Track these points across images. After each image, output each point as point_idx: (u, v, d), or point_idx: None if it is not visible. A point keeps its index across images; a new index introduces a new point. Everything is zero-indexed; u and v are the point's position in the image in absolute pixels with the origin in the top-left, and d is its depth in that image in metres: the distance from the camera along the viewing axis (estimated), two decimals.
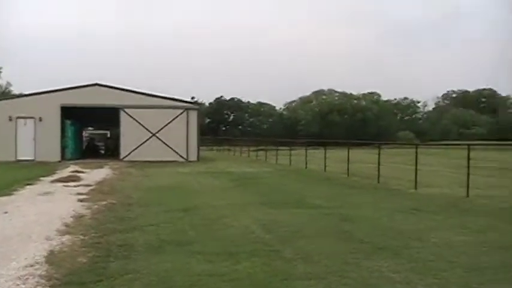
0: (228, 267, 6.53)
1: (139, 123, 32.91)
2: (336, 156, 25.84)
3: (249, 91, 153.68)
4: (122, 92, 33.60)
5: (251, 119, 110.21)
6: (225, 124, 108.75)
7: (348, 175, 21.53)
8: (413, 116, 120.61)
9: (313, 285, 5.81)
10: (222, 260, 6.91)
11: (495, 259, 7.03)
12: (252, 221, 10.11)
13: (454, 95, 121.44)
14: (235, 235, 8.71)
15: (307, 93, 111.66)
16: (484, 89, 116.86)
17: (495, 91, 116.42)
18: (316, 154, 29.60)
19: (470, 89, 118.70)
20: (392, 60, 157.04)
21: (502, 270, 6.44)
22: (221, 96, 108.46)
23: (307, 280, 5.98)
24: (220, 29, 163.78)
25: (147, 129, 33.05)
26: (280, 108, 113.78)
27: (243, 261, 6.81)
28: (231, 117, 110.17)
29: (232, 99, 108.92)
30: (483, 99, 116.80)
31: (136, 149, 32.97)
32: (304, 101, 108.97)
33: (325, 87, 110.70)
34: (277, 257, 7.09)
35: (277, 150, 36.51)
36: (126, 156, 32.88)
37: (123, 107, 32.98)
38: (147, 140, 33.14)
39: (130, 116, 32.98)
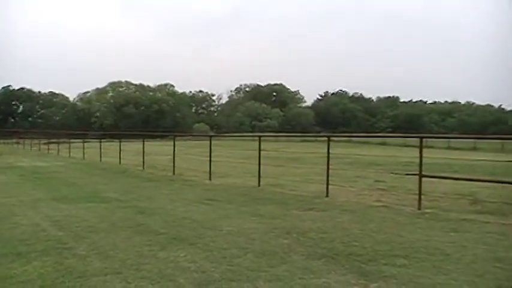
0: (17, 269, 6.11)
1: None
2: (132, 149, 25.63)
3: (42, 81, 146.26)
4: None
5: (42, 111, 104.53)
6: (14, 116, 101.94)
7: (144, 168, 21.45)
8: (209, 108, 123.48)
9: (109, 280, 5.69)
10: (10, 261, 6.45)
11: (283, 243, 7.46)
12: (43, 218, 9.62)
13: (247, 89, 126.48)
14: (24, 234, 8.17)
15: (103, 84, 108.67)
16: (276, 84, 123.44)
17: (285, 86, 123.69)
18: (111, 147, 29.10)
19: (263, 84, 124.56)
20: (186, 54, 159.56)
21: (288, 253, 6.84)
22: (9, 86, 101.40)
23: (103, 276, 5.84)
24: None
25: None
26: (74, 99, 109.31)
27: (33, 261, 6.44)
28: (20, 108, 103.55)
29: (21, 89, 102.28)
30: (274, 94, 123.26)
31: None
32: (100, 92, 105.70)
33: (122, 79, 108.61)
34: (70, 254, 6.81)
35: (70, 143, 35.25)
36: None
37: None
38: None
39: None
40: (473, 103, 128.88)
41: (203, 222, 9.17)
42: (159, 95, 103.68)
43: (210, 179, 16.83)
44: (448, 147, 44.89)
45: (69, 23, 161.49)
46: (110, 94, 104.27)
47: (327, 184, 13.05)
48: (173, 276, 5.83)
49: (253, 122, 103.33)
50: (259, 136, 17.49)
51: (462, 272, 6.03)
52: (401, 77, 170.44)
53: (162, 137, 39.78)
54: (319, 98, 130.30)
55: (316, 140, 46.54)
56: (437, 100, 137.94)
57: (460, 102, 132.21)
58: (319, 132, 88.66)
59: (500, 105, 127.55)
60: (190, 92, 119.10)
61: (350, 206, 11.22)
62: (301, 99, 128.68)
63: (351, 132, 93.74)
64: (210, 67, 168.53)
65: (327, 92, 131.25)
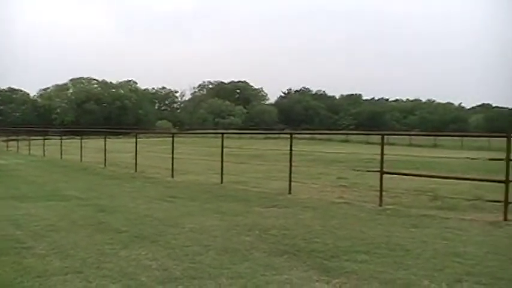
0: None
1: None
2: (93, 146, 25.31)
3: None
4: None
5: (1, 107, 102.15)
6: None
7: (105, 165, 21.23)
8: (172, 105, 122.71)
9: (69, 280, 5.60)
10: None
11: (245, 240, 7.47)
12: (1, 217, 9.40)
13: (210, 86, 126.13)
14: None
15: (64, 80, 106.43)
16: (239, 81, 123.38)
17: (248, 83, 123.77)
18: (73, 144, 28.73)
19: (226, 81, 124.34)
20: (149, 50, 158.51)
21: (250, 250, 6.85)
22: None
23: (63, 275, 5.74)
24: None
25: None
26: (34, 96, 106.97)
27: None
28: None
29: None
30: (238, 91, 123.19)
31: None
32: (61, 88, 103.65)
33: (84, 75, 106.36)
34: (29, 254, 6.68)
35: (30, 140, 34.68)
36: None
37: None
38: None
39: None
40: (434, 101, 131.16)
41: (165, 220, 9.12)
42: (122, 91, 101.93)
43: (172, 176, 16.74)
44: (410, 144, 45.56)
45: (28, 17, 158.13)
46: (71, 90, 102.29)
47: (290, 181, 13.11)
48: (135, 275, 5.77)
49: (216, 119, 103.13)
50: (222, 133, 17.45)
51: (422, 266, 6.12)
52: (364, 75, 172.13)
53: (124, 134, 39.49)
54: (283, 95, 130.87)
55: (279, 137, 46.84)
56: (399, 98, 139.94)
57: (421, 100, 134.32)
58: (282, 129, 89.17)
59: (460, 103, 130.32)
60: (153, 88, 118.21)
61: (312, 203, 11.30)
62: (265, 97, 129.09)
63: (314, 129, 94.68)
64: (173, 64, 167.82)
65: (290, 89, 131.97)
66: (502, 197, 9.68)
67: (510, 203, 9.71)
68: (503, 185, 9.68)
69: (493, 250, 7.02)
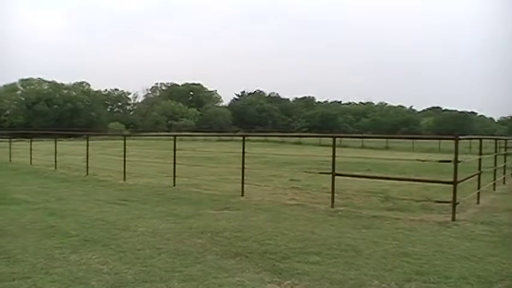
0: None
1: None
2: (44, 148, 24.89)
3: None
4: None
5: None
6: None
7: (56, 168, 20.84)
8: (125, 107, 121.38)
9: (17, 285, 5.47)
10: None
11: (197, 243, 7.44)
12: None
13: (163, 88, 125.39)
14: None
15: (13, 80, 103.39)
16: (193, 84, 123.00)
17: (202, 85, 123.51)
18: (22, 146, 28.13)
19: (180, 83, 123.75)
20: (102, 52, 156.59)
21: (202, 253, 6.83)
22: None
23: (11, 281, 5.61)
24: None
25: None
26: None
27: None
28: None
29: None
30: (191, 93, 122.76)
31: None
32: (9, 89, 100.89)
33: (34, 76, 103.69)
34: None
35: None
36: None
37: None
38: None
39: None
40: (385, 104, 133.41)
41: (117, 223, 9.01)
42: (74, 93, 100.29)
43: (124, 179, 16.55)
44: (362, 147, 46.22)
45: None
46: (20, 91, 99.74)
47: (242, 183, 13.13)
48: (85, 279, 5.69)
49: (169, 121, 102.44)
50: (175, 135, 17.37)
51: (372, 267, 6.22)
52: (317, 79, 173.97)
53: (75, 136, 38.83)
54: (236, 97, 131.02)
55: (232, 140, 46.86)
56: (351, 101, 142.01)
57: (373, 103, 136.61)
58: (236, 131, 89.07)
59: (411, 106, 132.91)
60: (106, 90, 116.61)
61: (265, 205, 11.35)
62: (219, 99, 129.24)
63: (268, 131, 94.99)
64: (126, 65, 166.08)
65: (244, 91, 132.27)
66: (450, 198, 9.92)
67: (458, 203, 9.95)
68: (451, 186, 9.92)
69: (441, 249, 7.19)
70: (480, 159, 12.89)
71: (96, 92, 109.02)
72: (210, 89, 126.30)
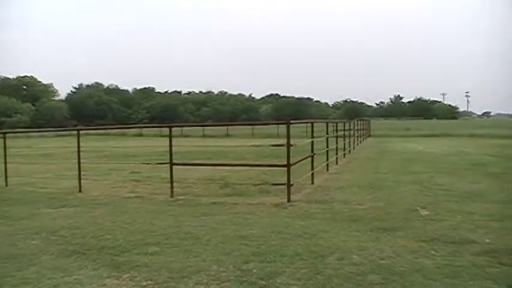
0: None
1: None
2: None
3: None
4: None
5: None
6: None
7: None
8: None
9: None
10: None
11: (31, 244, 7.12)
12: None
13: None
14: None
15: None
16: (26, 77, 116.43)
17: (36, 79, 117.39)
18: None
19: (11, 76, 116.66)
20: None
21: (37, 254, 6.56)
22: None
23: None
24: None
25: None
26: None
27: None
28: None
29: None
30: (24, 87, 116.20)
31: None
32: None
33: None
34: None
35: None
36: None
37: None
38: None
39: None
40: (226, 93, 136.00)
41: None
42: None
43: None
44: (203, 135, 46.58)
45: None
46: None
47: (79, 179, 12.79)
48: None
49: (2, 118, 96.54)
50: (4, 133, 16.45)
51: (211, 252, 6.35)
52: (157, 69, 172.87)
53: None
54: (73, 91, 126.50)
55: (70, 134, 45.18)
56: (192, 90, 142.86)
57: (213, 92, 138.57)
58: (75, 125, 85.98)
59: (251, 94, 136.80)
60: None
61: (103, 200, 11.17)
62: (55, 93, 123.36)
63: (107, 124, 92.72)
64: None
65: (82, 84, 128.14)
66: (285, 180, 10.36)
67: (292, 184, 10.44)
68: (286, 168, 10.37)
69: (277, 230, 7.52)
70: (312, 142, 13.55)
71: None
72: (45, 82, 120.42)
